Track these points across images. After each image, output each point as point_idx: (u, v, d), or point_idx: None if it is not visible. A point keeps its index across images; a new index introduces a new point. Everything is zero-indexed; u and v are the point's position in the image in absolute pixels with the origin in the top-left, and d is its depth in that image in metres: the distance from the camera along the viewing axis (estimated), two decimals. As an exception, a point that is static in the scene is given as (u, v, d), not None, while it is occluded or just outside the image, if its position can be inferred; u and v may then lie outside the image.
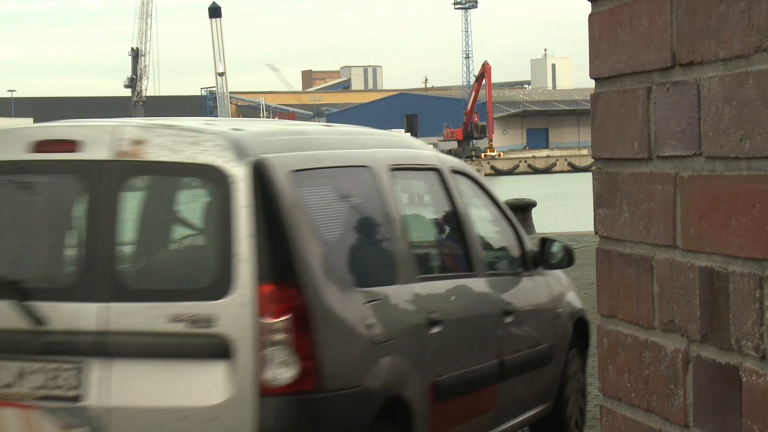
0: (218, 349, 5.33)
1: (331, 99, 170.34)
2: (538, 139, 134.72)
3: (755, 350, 1.56)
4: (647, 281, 1.80)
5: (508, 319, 7.25)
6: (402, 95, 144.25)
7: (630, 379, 1.86)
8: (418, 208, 7.49)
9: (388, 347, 5.89)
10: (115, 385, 5.45)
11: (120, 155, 5.59)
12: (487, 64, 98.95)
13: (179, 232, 6.11)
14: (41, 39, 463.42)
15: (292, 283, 5.40)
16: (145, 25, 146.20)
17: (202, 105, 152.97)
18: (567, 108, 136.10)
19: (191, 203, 5.95)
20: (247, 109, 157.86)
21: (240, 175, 5.40)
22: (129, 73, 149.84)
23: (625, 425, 1.88)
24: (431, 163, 7.10)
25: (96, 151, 5.63)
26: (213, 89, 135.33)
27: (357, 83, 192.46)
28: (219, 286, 5.35)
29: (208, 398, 5.34)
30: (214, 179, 5.46)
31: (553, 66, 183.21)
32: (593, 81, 1.93)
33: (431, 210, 7.35)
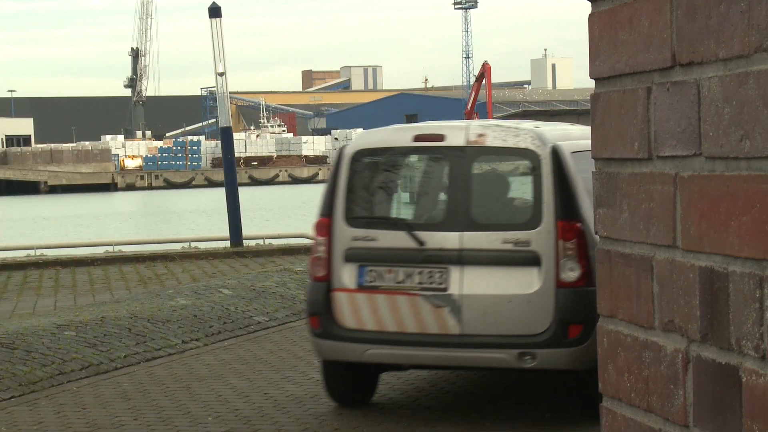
0: (532, 260, 8.52)
1: (331, 99, 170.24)
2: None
3: (755, 350, 1.56)
4: (647, 281, 1.80)
5: None
6: (402, 95, 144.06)
7: (630, 379, 1.86)
8: None
9: None
10: (467, 281, 8.63)
11: (470, 143, 8.82)
12: (487, 64, 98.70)
13: (508, 188, 9.16)
14: (41, 39, 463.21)
15: (576, 220, 8.50)
16: (145, 25, 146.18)
17: (202, 105, 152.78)
18: (567, 108, 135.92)
19: (514, 171, 9.18)
20: (247, 109, 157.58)
21: (545, 154, 8.60)
22: (129, 73, 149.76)
23: (625, 425, 1.88)
24: None
25: (455, 140, 8.86)
26: (213, 89, 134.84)
27: (357, 83, 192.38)
28: (533, 221, 8.56)
29: (526, 288, 8.51)
30: (529, 157, 8.66)
31: (553, 66, 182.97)
32: (593, 81, 1.93)
33: None
